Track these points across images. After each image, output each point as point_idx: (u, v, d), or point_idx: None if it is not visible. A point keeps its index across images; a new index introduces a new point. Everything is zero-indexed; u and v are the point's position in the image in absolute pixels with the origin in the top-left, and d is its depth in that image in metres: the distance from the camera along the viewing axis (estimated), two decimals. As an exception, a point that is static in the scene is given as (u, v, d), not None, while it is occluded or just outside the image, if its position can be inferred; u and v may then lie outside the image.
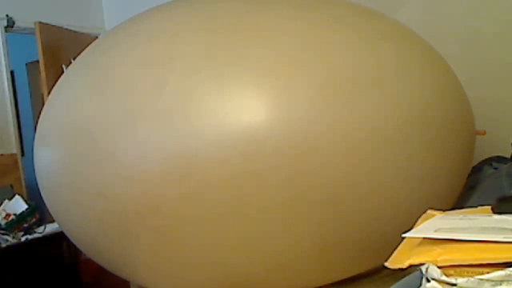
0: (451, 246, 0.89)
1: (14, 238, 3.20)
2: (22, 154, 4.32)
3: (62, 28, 4.22)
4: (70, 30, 4.31)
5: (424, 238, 0.97)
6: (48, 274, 3.21)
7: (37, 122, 2.05)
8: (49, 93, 2.88)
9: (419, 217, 1.18)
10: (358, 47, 1.69)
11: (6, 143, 4.02)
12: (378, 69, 1.66)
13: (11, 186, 3.82)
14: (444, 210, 1.22)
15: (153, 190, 1.57)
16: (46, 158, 1.93)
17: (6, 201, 3.52)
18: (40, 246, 3.27)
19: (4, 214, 3.37)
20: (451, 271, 0.85)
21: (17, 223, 3.34)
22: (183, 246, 1.63)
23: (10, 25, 4.11)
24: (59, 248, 3.29)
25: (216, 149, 1.50)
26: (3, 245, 3.11)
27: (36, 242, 3.27)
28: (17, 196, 3.59)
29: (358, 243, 1.65)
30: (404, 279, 0.98)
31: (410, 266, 0.91)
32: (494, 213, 1.09)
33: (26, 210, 3.43)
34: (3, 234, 3.20)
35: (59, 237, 2.80)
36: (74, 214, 1.85)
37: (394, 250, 1.01)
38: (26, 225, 3.38)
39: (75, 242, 2.04)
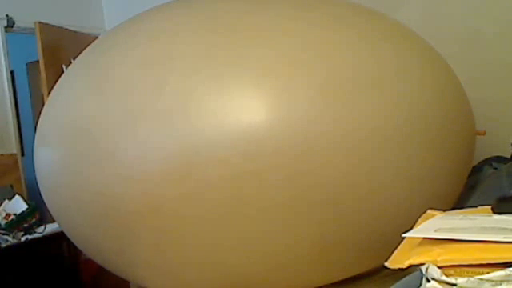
0: (451, 245, 0.89)
1: (14, 237, 3.20)
2: (22, 154, 4.32)
3: (62, 28, 4.21)
4: (70, 30, 4.31)
5: (424, 238, 0.97)
6: (48, 274, 3.21)
7: (37, 122, 2.05)
8: (49, 93, 2.88)
9: (419, 217, 1.18)
10: (358, 47, 1.69)
11: (6, 143, 4.02)
12: (377, 69, 1.66)
13: (11, 186, 3.82)
14: (444, 210, 1.22)
15: (153, 189, 1.57)
16: (46, 157, 1.93)
17: (6, 201, 3.52)
18: (40, 246, 3.27)
19: (4, 214, 3.37)
20: (451, 271, 0.85)
21: (17, 223, 3.33)
22: (183, 245, 1.63)
23: (10, 25, 4.11)
24: (59, 248, 3.29)
25: (216, 149, 1.50)
26: (3, 245, 3.10)
27: (36, 242, 3.27)
28: (17, 196, 3.58)
29: (358, 243, 1.65)
30: (404, 279, 0.98)
31: (410, 266, 0.91)
32: (494, 213, 1.09)
33: (26, 210, 3.43)
34: (3, 234, 3.20)
35: (59, 237, 2.79)
36: (74, 214, 1.85)
37: (394, 250, 1.01)
38: (26, 225, 3.38)
39: (75, 242, 2.04)
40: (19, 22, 4.15)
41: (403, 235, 1.01)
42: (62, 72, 3.64)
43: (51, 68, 3.97)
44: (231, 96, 1.54)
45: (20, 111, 4.70)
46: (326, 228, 1.59)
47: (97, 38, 3.70)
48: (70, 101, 1.87)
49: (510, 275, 0.81)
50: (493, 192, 1.56)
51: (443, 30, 2.60)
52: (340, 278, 1.79)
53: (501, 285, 0.81)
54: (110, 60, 1.82)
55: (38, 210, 3.45)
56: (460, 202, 1.86)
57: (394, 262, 0.94)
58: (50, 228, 3.31)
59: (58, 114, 1.91)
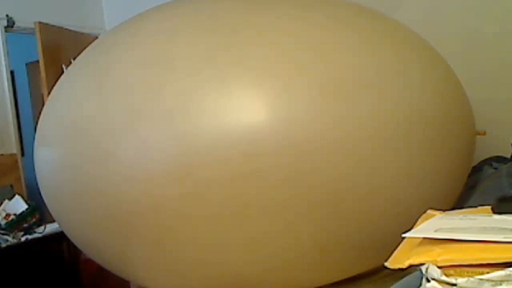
0: (451, 245, 0.89)
1: (14, 237, 3.19)
2: (22, 154, 4.32)
3: (62, 28, 4.21)
4: (70, 30, 4.31)
5: (424, 238, 0.97)
6: (48, 274, 3.20)
7: (37, 122, 2.05)
8: (49, 93, 2.88)
9: (419, 217, 1.18)
10: (358, 47, 1.69)
11: (6, 143, 4.02)
12: (377, 69, 1.66)
13: (11, 185, 3.82)
14: (444, 210, 1.22)
15: (153, 189, 1.57)
16: (46, 157, 1.93)
17: (6, 201, 3.51)
18: (40, 246, 3.27)
19: (4, 214, 3.37)
20: (451, 271, 0.85)
21: (17, 223, 3.33)
22: (183, 245, 1.63)
23: (10, 25, 4.11)
24: (59, 248, 3.29)
25: (216, 149, 1.50)
26: (3, 245, 3.10)
27: (36, 242, 3.26)
28: (17, 196, 3.58)
29: (358, 243, 1.65)
30: (404, 279, 0.98)
31: (410, 266, 0.90)
32: (494, 213, 1.09)
33: (26, 210, 3.43)
34: (3, 234, 3.19)
35: (59, 237, 2.80)
36: (74, 214, 1.85)
37: (394, 250, 1.01)
38: (26, 225, 3.37)
39: (75, 242, 2.04)
40: (19, 22, 4.14)
41: (403, 235, 1.01)
42: (62, 72, 3.64)
43: (51, 68, 3.97)
44: (231, 96, 1.54)
45: (20, 111, 4.70)
46: (326, 228, 1.59)
47: (97, 38, 3.70)
48: (70, 101, 1.87)
49: (509, 275, 0.81)
50: (493, 192, 1.56)
51: (443, 30, 2.60)
52: (340, 278, 1.79)
53: (501, 285, 0.81)
54: (110, 60, 1.82)
55: (38, 210, 3.45)
56: (460, 202, 1.87)
57: (394, 262, 0.94)
58: (50, 228, 3.30)
59: (58, 113, 1.91)
